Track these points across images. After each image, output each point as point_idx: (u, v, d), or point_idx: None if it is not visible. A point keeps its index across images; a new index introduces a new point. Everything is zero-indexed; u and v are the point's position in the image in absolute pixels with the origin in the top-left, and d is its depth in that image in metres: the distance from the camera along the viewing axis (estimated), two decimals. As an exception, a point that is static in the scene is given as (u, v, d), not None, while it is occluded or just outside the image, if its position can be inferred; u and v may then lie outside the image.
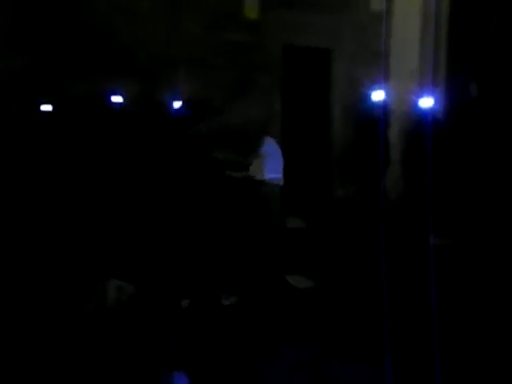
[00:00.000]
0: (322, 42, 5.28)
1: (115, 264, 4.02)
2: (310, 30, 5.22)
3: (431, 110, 4.96)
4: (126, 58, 4.70)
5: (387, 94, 5.36)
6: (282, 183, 4.62)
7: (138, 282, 3.92)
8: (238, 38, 4.99)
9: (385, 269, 3.54)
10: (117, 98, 4.38)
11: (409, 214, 4.80)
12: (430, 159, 4.00)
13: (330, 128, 5.48)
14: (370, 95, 5.29)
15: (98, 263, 4.01)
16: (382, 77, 5.49)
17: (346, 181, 5.47)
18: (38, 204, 4.13)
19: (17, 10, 4.39)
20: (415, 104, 5.14)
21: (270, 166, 4.50)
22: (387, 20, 5.05)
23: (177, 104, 4.86)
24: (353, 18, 5.40)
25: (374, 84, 5.38)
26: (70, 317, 3.56)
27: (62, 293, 3.76)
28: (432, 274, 3.37)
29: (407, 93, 5.29)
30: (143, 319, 3.77)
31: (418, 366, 3.14)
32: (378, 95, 5.33)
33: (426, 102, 5.00)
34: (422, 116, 4.96)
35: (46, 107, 4.42)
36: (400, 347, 3.23)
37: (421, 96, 5.06)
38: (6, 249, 3.82)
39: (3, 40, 4.35)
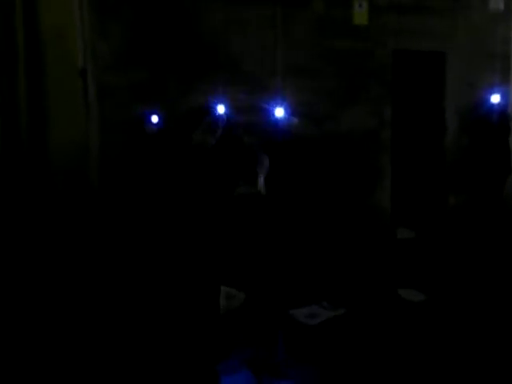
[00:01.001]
0: (435, 45, 5.09)
1: (225, 271, 4.09)
2: (422, 33, 5.06)
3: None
4: (234, 69, 4.79)
5: (506, 97, 5.08)
6: None
7: (248, 289, 3.97)
8: (348, 46, 4.93)
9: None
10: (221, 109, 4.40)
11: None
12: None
13: (444, 134, 5.26)
14: (487, 99, 5.04)
15: (210, 270, 4.09)
16: (500, 80, 5.21)
17: (459, 189, 5.22)
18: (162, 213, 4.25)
19: (136, 23, 4.62)
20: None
21: None
22: (508, 20, 4.78)
23: (281, 113, 4.88)
24: (468, 19, 5.17)
25: (492, 87, 5.13)
26: (184, 322, 3.66)
27: (175, 297, 3.87)
28: None
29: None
30: (252, 326, 3.80)
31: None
32: (495, 99, 5.07)
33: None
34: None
35: (156, 119, 4.59)
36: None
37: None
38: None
39: (125, 54, 4.59)
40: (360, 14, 4.98)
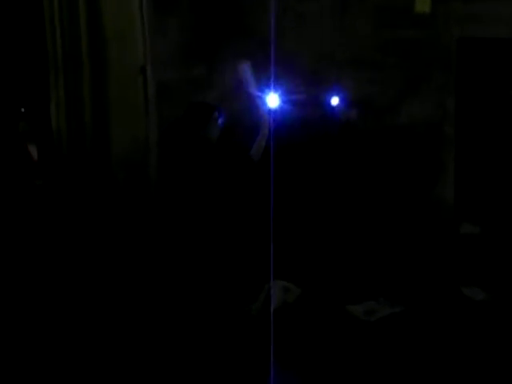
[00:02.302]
0: (503, 31, 4.84)
1: (282, 265, 4.09)
2: (489, 19, 4.82)
3: None
4: (291, 62, 4.75)
5: None
6: None
7: (304, 284, 3.95)
8: (409, 35, 4.78)
9: None
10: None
11: None
12: None
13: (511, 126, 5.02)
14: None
15: (266, 263, 4.11)
16: None
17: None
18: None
19: (194, 19, 4.67)
20: None
21: None
22: None
23: (340, 105, 4.81)
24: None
25: None
26: (239, 314, 3.69)
27: (232, 290, 3.91)
28: None
29: None
30: (307, 321, 3.79)
31: None
32: None
33: None
34: None
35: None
36: None
37: None
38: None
39: (183, 51, 4.65)
40: (422, 2, 4.81)
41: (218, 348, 3.33)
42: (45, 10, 4.66)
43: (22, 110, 4.67)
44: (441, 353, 3.43)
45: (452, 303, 4.05)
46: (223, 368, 3.23)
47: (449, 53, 4.86)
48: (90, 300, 3.77)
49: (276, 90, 4.07)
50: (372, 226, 4.67)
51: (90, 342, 3.44)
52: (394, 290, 4.17)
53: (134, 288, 3.78)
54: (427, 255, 4.53)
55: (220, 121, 3.73)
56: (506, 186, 5.06)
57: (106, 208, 4.50)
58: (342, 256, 4.39)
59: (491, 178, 5.12)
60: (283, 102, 4.20)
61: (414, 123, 4.90)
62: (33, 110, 4.67)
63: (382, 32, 4.78)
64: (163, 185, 3.91)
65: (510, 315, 3.79)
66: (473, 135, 5.09)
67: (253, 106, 3.99)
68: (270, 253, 3.49)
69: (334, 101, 4.71)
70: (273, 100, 3.95)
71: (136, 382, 3.19)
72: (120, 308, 3.69)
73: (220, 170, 3.55)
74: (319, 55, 4.79)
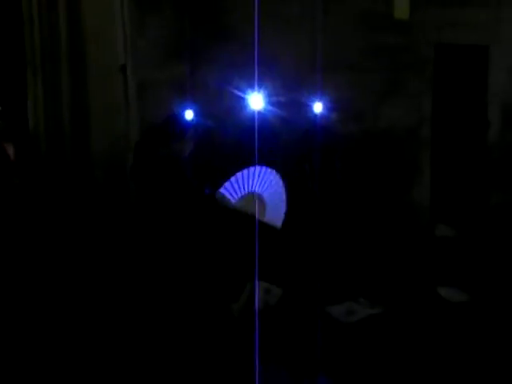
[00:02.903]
0: (478, 38, 4.97)
1: (261, 265, 4.09)
2: (465, 27, 4.94)
3: None
4: (273, 64, 4.77)
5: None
6: None
7: (285, 285, 3.96)
8: (389, 40, 4.86)
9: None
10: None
11: None
12: None
13: (487, 130, 5.14)
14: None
15: (248, 263, 4.11)
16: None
17: (504, 187, 5.10)
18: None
19: (175, 17, 4.65)
20: None
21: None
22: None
23: (320, 108, 4.83)
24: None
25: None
26: (219, 314, 3.68)
27: (213, 290, 3.90)
28: None
29: None
30: (288, 323, 3.80)
31: None
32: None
33: None
34: None
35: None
36: None
37: None
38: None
39: (164, 49, 4.63)
40: (401, 8, 4.90)
41: (199, 348, 3.32)
42: (23, 8, 4.60)
43: (-1, 108, 4.58)
44: (420, 354, 3.48)
45: (429, 304, 4.12)
46: (206, 368, 3.22)
47: (426, 58, 4.96)
48: (66, 300, 3.72)
49: (259, 92, 4.09)
50: (350, 228, 4.71)
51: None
52: (373, 291, 4.21)
53: (116, 288, 3.75)
54: (404, 257, 4.60)
55: (192, 139, 3.76)
56: (481, 188, 5.18)
57: (84, 207, 4.45)
58: (321, 257, 4.42)
59: (466, 181, 5.23)
60: (266, 103, 4.22)
61: (391, 127, 4.99)
62: (9, 108, 4.58)
63: (363, 36, 4.85)
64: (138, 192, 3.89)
65: (486, 316, 3.87)
66: (449, 139, 5.20)
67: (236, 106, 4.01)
68: (253, 252, 3.49)
69: (317, 107, 4.73)
70: (256, 102, 3.98)
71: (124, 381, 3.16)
72: (101, 309, 3.65)
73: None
74: (300, 58, 4.83)
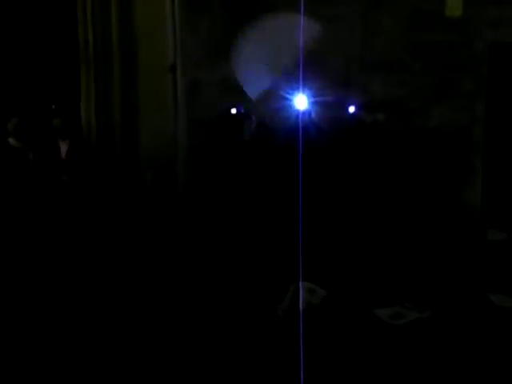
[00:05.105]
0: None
1: (308, 267, 4.07)
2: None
3: None
4: (321, 64, 4.73)
5: None
6: None
7: (329, 286, 3.93)
8: (440, 38, 4.75)
9: None
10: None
11: None
12: None
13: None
14: None
15: (292, 264, 4.10)
16: None
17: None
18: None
19: (225, 18, 4.69)
20: None
21: None
22: None
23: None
24: None
25: None
26: (265, 315, 3.68)
27: (257, 291, 3.91)
28: None
29: None
30: (333, 324, 3.77)
31: None
32: None
33: None
34: None
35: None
36: None
37: None
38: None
39: (214, 49, 4.66)
40: (453, 6, 4.78)
41: (243, 349, 3.33)
42: (77, 9, 4.71)
43: (53, 106, 4.71)
44: (466, 359, 3.39)
45: (479, 310, 4.00)
46: (250, 368, 3.23)
47: (480, 57, 4.82)
48: (119, 294, 3.78)
49: (305, 92, 4.08)
50: (400, 230, 4.63)
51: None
52: (421, 295, 4.13)
53: (158, 285, 3.80)
54: (455, 261, 4.49)
55: (252, 125, 4.05)
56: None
57: (132, 206, 4.52)
58: (369, 258, 4.36)
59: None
60: (312, 103, 4.21)
61: (442, 126, 4.87)
62: (65, 106, 4.70)
63: (413, 35, 4.76)
64: (193, 183, 3.97)
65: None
66: (502, 140, 5.04)
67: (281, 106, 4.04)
68: (297, 253, 3.48)
69: (351, 108, 4.70)
70: (301, 102, 3.98)
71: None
72: (145, 303, 3.71)
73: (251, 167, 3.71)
74: (349, 58, 4.77)
